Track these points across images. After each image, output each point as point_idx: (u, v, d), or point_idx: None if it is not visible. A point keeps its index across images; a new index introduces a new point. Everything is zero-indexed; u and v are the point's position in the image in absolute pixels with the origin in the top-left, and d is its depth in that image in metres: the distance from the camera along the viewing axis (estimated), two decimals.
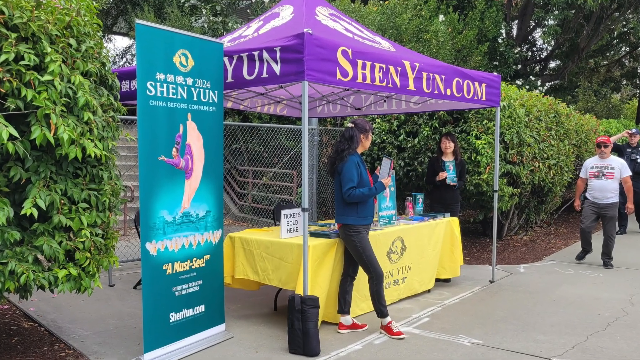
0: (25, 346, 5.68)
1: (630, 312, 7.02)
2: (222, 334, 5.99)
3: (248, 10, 17.70)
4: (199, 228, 5.65)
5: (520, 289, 8.13)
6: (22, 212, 4.19)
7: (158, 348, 5.26)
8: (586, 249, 10.05)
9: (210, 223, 5.79)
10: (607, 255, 9.75)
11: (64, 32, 4.52)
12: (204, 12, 16.34)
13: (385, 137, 11.27)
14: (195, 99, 5.53)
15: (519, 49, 23.86)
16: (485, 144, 9.71)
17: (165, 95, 5.21)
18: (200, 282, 5.70)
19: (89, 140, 4.49)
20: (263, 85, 6.37)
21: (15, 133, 4.05)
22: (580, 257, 10.16)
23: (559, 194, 12.91)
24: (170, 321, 5.38)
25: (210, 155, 5.74)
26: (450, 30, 16.13)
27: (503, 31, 21.78)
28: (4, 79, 4.08)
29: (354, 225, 6.02)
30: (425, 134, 10.48)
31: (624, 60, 29.25)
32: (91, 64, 4.72)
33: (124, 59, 25.44)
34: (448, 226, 8.15)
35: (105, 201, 4.84)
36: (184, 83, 5.40)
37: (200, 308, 5.72)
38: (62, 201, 4.48)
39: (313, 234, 6.45)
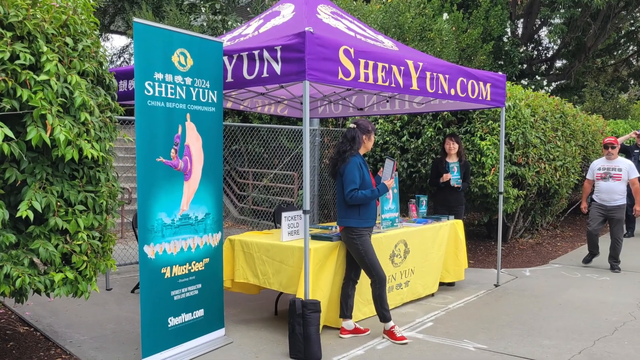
0: (21, 351, 5.68)
1: (638, 316, 7.01)
2: (222, 338, 5.99)
3: (248, 9, 17.70)
4: (198, 231, 5.65)
5: (525, 293, 8.13)
6: (18, 215, 4.19)
7: (156, 353, 5.25)
8: (593, 252, 10.05)
9: (209, 226, 5.78)
10: (614, 259, 9.74)
11: (61, 30, 4.52)
12: (203, 11, 16.36)
13: (388, 138, 11.27)
14: (194, 99, 5.53)
15: (525, 48, 23.87)
16: (490, 145, 9.71)
17: (163, 95, 5.21)
18: (200, 285, 5.70)
19: (86, 141, 4.49)
20: (263, 85, 6.37)
21: (10, 134, 4.05)
22: (587, 260, 10.16)
23: (565, 196, 12.90)
24: (169, 326, 5.38)
25: (209, 157, 5.74)
26: (454, 29, 16.13)
27: (508, 30, 21.77)
28: None
29: (356, 228, 6.01)
30: (429, 135, 10.48)
31: (631, 59, 29.22)
32: (88, 63, 4.72)
33: (122, 59, 25.45)
34: (452, 229, 8.15)
35: (102, 203, 4.84)
36: (182, 83, 5.40)
37: (200, 312, 5.72)
38: (59, 203, 4.48)
39: (314, 237, 6.44)
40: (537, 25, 25.12)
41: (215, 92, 5.78)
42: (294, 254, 6.12)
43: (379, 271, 6.04)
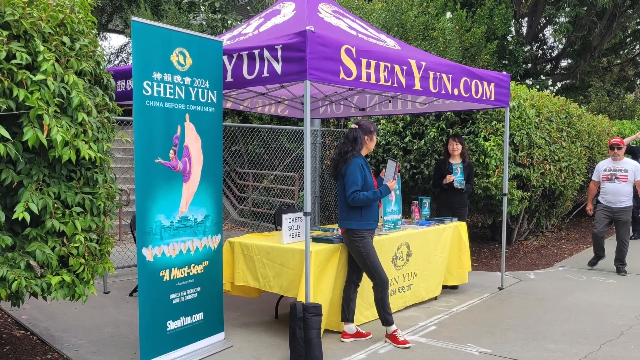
0: (17, 355, 5.68)
1: None
2: (221, 342, 5.99)
3: (248, 7, 17.71)
4: (197, 233, 5.65)
5: (530, 296, 8.12)
6: (14, 217, 4.19)
7: (155, 357, 5.25)
8: (599, 254, 10.04)
9: (208, 228, 5.78)
10: (620, 261, 9.73)
11: (57, 29, 4.52)
12: (203, 9, 16.36)
13: (390, 139, 11.27)
14: (193, 99, 5.53)
15: (529, 47, 23.87)
16: (494, 145, 9.70)
17: (162, 95, 5.21)
18: (199, 289, 5.70)
19: (83, 142, 4.49)
20: (264, 85, 6.37)
21: (6, 134, 4.05)
22: (592, 263, 10.15)
23: (570, 197, 12.90)
24: (168, 329, 5.37)
25: (209, 158, 5.74)
26: (457, 27, 16.13)
27: (512, 29, 21.79)
28: None
29: (358, 230, 6.01)
30: (432, 136, 10.47)
31: (637, 58, 29.19)
32: (85, 62, 4.72)
33: (120, 58, 25.48)
34: (455, 231, 8.14)
35: (100, 205, 4.84)
36: (181, 83, 5.40)
37: (199, 316, 5.72)
38: (56, 205, 4.48)
39: (315, 239, 6.44)
40: (541, 24, 25.12)
41: (215, 92, 5.78)
42: (294, 257, 6.11)
43: (381, 274, 6.03)
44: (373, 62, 5.97)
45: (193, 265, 5.61)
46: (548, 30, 25.90)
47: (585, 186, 14.44)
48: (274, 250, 6.32)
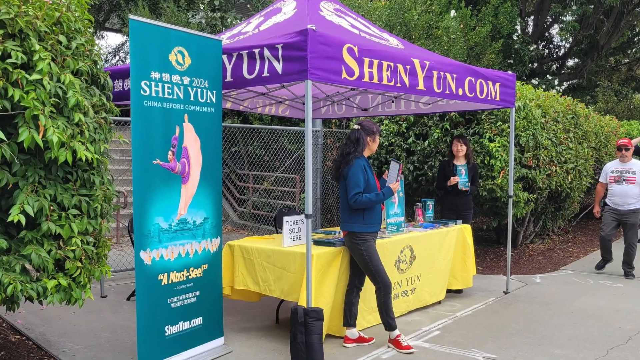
0: None
1: None
2: (221, 347, 5.98)
3: (248, 5, 17.73)
4: (196, 236, 5.65)
5: (536, 300, 8.11)
6: (9, 219, 4.18)
7: None
8: (606, 258, 10.03)
9: (208, 230, 5.78)
10: (628, 265, 9.72)
11: (54, 28, 4.52)
12: (202, 7, 16.36)
13: (393, 140, 11.27)
14: (192, 99, 5.53)
15: (535, 46, 23.85)
16: (499, 146, 9.70)
17: (160, 95, 5.21)
18: (198, 293, 5.70)
19: (80, 143, 4.49)
20: (264, 85, 6.36)
21: (1, 135, 4.05)
22: (599, 266, 10.14)
23: (577, 199, 12.89)
24: (166, 334, 5.37)
25: (208, 159, 5.74)
26: (462, 26, 16.13)
27: (518, 27, 21.77)
28: None
29: (360, 233, 6.01)
30: (436, 137, 10.47)
31: None
32: (82, 62, 4.72)
33: (117, 57, 25.49)
34: (460, 234, 8.14)
35: (97, 207, 4.83)
36: (180, 82, 5.40)
37: (198, 320, 5.72)
38: (52, 207, 4.48)
39: (317, 242, 6.44)
40: (548, 23, 25.10)
41: (214, 92, 5.78)
42: (295, 260, 6.11)
43: (384, 278, 6.03)
44: (376, 62, 5.97)
45: (192, 268, 5.61)
46: (554, 29, 25.89)
47: (592, 188, 14.44)
48: (274, 254, 6.32)
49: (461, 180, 8.57)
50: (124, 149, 15.56)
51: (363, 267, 6.06)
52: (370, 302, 6.63)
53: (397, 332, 6.12)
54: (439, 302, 7.90)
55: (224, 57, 5.92)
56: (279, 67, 5.54)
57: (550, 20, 24.89)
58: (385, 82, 6.09)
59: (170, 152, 5.30)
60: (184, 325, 5.56)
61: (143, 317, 5.16)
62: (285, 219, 6.40)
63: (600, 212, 10.13)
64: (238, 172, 15.08)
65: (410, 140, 10.94)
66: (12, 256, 4.40)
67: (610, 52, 26.35)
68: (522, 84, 10.95)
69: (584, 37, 23.31)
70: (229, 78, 5.94)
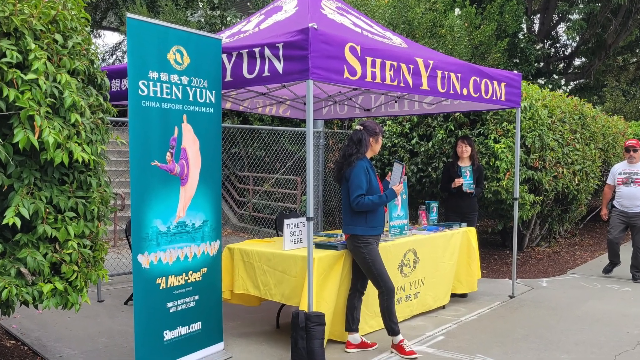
0: None
1: None
2: (220, 353, 5.98)
3: (248, 4, 17.73)
4: (195, 239, 5.64)
5: (542, 304, 8.11)
6: (4, 222, 4.18)
7: None
8: (614, 261, 10.02)
9: (207, 233, 5.78)
10: (636, 269, 9.71)
11: (49, 27, 4.52)
12: (201, 5, 16.39)
13: (396, 141, 11.27)
14: (191, 99, 5.53)
15: (541, 45, 23.86)
16: (504, 148, 9.70)
17: (158, 95, 5.21)
18: (197, 297, 5.69)
19: (76, 144, 4.49)
20: (264, 85, 6.37)
21: None
22: (607, 270, 10.13)
23: (584, 202, 12.87)
24: (164, 339, 5.37)
25: (207, 160, 5.74)
26: (466, 25, 16.14)
27: (524, 26, 21.79)
28: None
29: (362, 236, 6.00)
30: (440, 137, 10.47)
31: None
32: (79, 61, 4.72)
33: (114, 56, 25.50)
34: (464, 237, 8.13)
35: (93, 210, 4.83)
36: (179, 82, 5.40)
37: (197, 325, 5.71)
38: (47, 210, 4.47)
39: (318, 246, 6.43)
40: (554, 21, 25.11)
41: (214, 92, 5.78)
42: (296, 264, 6.11)
43: (387, 282, 6.02)
44: (378, 61, 5.97)
45: (191, 272, 5.61)
46: (561, 28, 25.90)
47: (599, 190, 14.43)
48: (275, 257, 6.31)
49: (466, 182, 8.57)
50: (121, 150, 15.56)
51: (365, 270, 6.06)
52: (372, 306, 6.62)
53: (400, 337, 6.12)
54: (443, 307, 7.90)
55: (224, 56, 5.92)
56: (279, 66, 5.54)
57: (557, 18, 24.91)
58: (388, 81, 6.09)
59: (168, 154, 5.30)
60: (183, 330, 5.55)
61: (141, 322, 5.16)
62: (286, 221, 6.40)
63: (608, 215, 10.12)
64: (238, 173, 15.08)
65: (413, 141, 10.93)
66: (7, 260, 4.39)
67: (618, 51, 26.37)
68: (528, 84, 10.94)
69: (591, 36, 23.31)
70: (228, 78, 5.94)
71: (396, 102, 9.19)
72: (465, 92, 7.13)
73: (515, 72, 8.21)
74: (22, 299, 4.46)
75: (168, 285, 5.37)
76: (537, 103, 10.43)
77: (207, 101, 5.71)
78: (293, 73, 5.46)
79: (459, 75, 7.03)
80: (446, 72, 6.82)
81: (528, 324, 7.18)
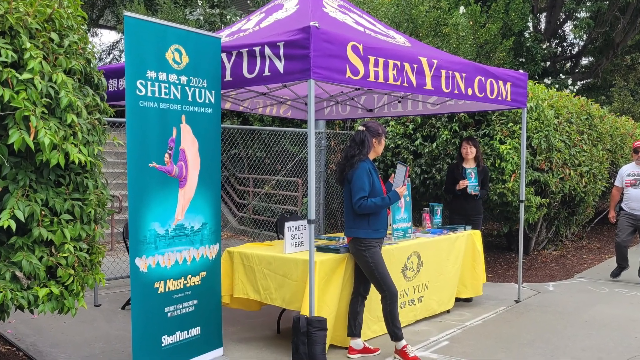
0: None
1: None
2: (220, 359, 5.97)
3: (248, 2, 17.72)
4: (194, 242, 5.64)
5: (549, 309, 8.10)
6: None
7: None
8: (622, 265, 10.01)
9: (206, 236, 5.78)
10: None
11: (45, 25, 4.52)
12: (200, 4, 16.40)
13: (399, 142, 11.26)
14: (190, 99, 5.53)
15: (548, 44, 23.86)
16: (510, 149, 9.69)
17: (156, 95, 5.21)
18: (196, 301, 5.69)
19: (73, 145, 4.48)
20: (265, 85, 6.38)
21: None
22: (615, 274, 10.12)
23: (591, 204, 12.86)
24: (163, 345, 5.37)
25: (206, 162, 5.73)
26: (471, 23, 16.14)
27: (530, 25, 21.79)
28: None
29: (365, 239, 5.99)
30: (444, 138, 10.46)
31: None
32: (75, 60, 4.72)
33: (112, 55, 25.52)
34: (469, 240, 8.13)
35: (90, 212, 4.83)
36: (177, 82, 5.40)
37: (196, 330, 5.71)
38: (43, 212, 4.47)
39: (320, 249, 6.42)
40: (561, 20, 25.11)
41: (213, 91, 5.78)
42: (298, 267, 6.10)
43: (390, 286, 6.01)
44: (381, 60, 5.97)
45: (190, 276, 5.61)
46: (568, 26, 25.90)
47: (607, 192, 14.42)
48: (275, 261, 6.31)
49: (470, 184, 8.55)
50: (118, 151, 15.56)
51: (368, 274, 6.05)
52: (375, 311, 6.61)
53: (403, 342, 6.11)
54: (448, 311, 7.89)
55: (223, 55, 5.92)
56: (280, 65, 5.54)
57: (564, 17, 24.90)
58: (391, 81, 6.09)
59: (167, 155, 5.30)
60: (182, 335, 5.55)
61: (138, 327, 5.15)
62: (287, 224, 6.40)
63: (616, 217, 10.11)
64: (238, 175, 15.08)
65: (417, 142, 10.93)
66: (2, 263, 4.39)
67: (626, 50, 26.35)
68: (534, 84, 10.94)
69: (599, 35, 23.30)
70: (228, 77, 5.94)
71: (399, 102, 9.19)
72: (470, 92, 7.13)
73: (521, 71, 8.21)
74: (18, 303, 4.45)
75: (166, 290, 5.37)
76: (543, 103, 10.42)
77: (207, 101, 5.71)
78: (294, 72, 5.46)
79: (464, 74, 7.02)
80: (450, 72, 6.82)
81: (534, 329, 7.17)
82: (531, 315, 7.81)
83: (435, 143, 10.64)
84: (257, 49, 5.67)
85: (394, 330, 6.09)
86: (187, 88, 5.49)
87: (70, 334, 6.86)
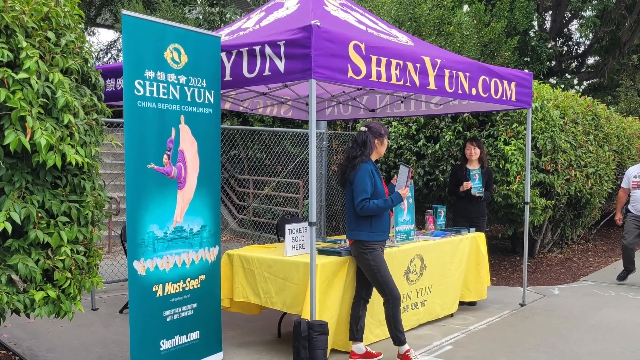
0: None
1: None
2: None
3: (248, 0, 17.74)
4: (193, 245, 5.64)
5: (554, 313, 8.09)
6: None
7: None
8: (629, 268, 10.00)
9: (205, 239, 5.77)
10: None
11: (42, 24, 4.52)
12: (199, 2, 16.41)
13: (402, 143, 11.26)
14: (189, 99, 5.53)
15: (553, 43, 23.85)
16: (515, 150, 9.68)
17: (155, 95, 5.21)
18: (195, 305, 5.69)
19: (70, 146, 4.48)
20: (265, 84, 6.37)
21: None
22: (622, 277, 10.11)
23: (598, 206, 12.86)
24: (161, 349, 5.36)
25: (205, 163, 5.73)
26: (475, 22, 16.14)
27: (535, 23, 21.79)
28: None
29: (367, 242, 5.99)
30: (448, 139, 10.46)
31: None
32: (72, 60, 4.72)
33: (109, 55, 25.55)
34: (473, 242, 8.12)
35: (87, 214, 4.83)
36: (176, 81, 5.40)
37: (195, 334, 5.70)
38: (39, 214, 4.47)
39: (321, 252, 6.42)
40: (567, 18, 25.10)
41: (212, 91, 5.78)
42: (299, 271, 6.10)
43: (393, 289, 6.01)
44: (384, 60, 5.97)
45: (189, 279, 5.60)
46: (574, 25, 25.89)
47: (613, 194, 14.42)
48: (276, 264, 6.30)
49: (474, 185, 8.55)
50: (116, 152, 15.57)
51: (370, 277, 6.05)
52: (378, 315, 6.61)
53: (406, 346, 6.10)
54: (451, 315, 7.89)
55: (223, 54, 5.92)
56: (281, 65, 5.54)
57: (569, 15, 24.89)
58: (394, 81, 6.08)
59: (165, 156, 5.29)
60: (180, 339, 5.55)
61: (137, 331, 5.15)
62: (287, 226, 6.39)
63: (623, 220, 10.10)
64: (237, 177, 15.08)
65: (420, 143, 10.92)
66: None
67: (633, 50, 26.32)
68: (540, 84, 10.93)
69: (605, 34, 23.29)
70: (228, 77, 5.94)
71: (402, 102, 9.19)
72: (474, 92, 7.13)
73: (526, 71, 8.21)
74: (13, 307, 4.45)
75: (165, 293, 5.37)
76: (548, 103, 10.41)
77: (206, 101, 5.71)
78: (295, 72, 5.46)
79: (468, 74, 7.02)
80: (454, 71, 6.82)
81: (539, 334, 7.17)
82: (536, 319, 7.80)
83: (438, 144, 10.64)
84: (257, 48, 5.67)
85: (397, 335, 6.08)
86: (186, 88, 5.49)
87: (67, 339, 6.86)
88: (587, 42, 25.89)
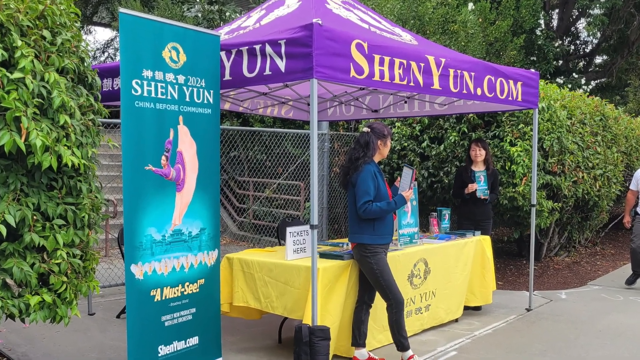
0: None
1: None
2: None
3: None
4: (192, 248, 5.64)
5: (561, 318, 8.09)
6: None
7: None
8: (637, 272, 9.99)
9: (204, 242, 5.77)
10: None
11: (37, 22, 4.52)
12: (198, 0, 16.41)
13: (406, 144, 11.26)
14: (187, 99, 5.53)
15: (560, 42, 23.84)
16: (521, 151, 9.68)
17: (153, 95, 5.21)
18: (194, 310, 5.68)
19: (66, 147, 4.48)
20: (266, 84, 6.37)
21: None
22: (630, 281, 10.10)
23: (605, 208, 12.85)
24: (159, 355, 5.36)
25: (204, 165, 5.73)
26: (480, 20, 16.14)
27: (542, 22, 21.75)
28: None
29: (370, 245, 5.99)
30: (452, 140, 10.46)
31: None
32: (68, 59, 4.72)
33: (106, 54, 25.57)
34: (478, 246, 8.11)
35: (84, 217, 4.82)
36: (174, 81, 5.40)
37: (194, 340, 5.70)
38: (35, 217, 4.47)
39: (323, 255, 6.42)
40: (574, 17, 25.09)
41: (212, 91, 5.78)
42: (300, 275, 6.09)
43: (396, 294, 6.00)
44: (387, 59, 5.97)
45: (187, 283, 5.60)
46: (581, 23, 25.87)
47: (622, 196, 14.40)
48: (277, 267, 6.30)
49: (480, 187, 8.54)
50: (113, 153, 15.57)
51: (373, 281, 6.05)
52: (381, 320, 6.61)
53: (410, 352, 6.10)
54: (456, 320, 7.88)
55: (222, 53, 5.92)
56: (282, 64, 5.54)
57: (577, 13, 24.87)
58: (397, 81, 6.08)
59: (163, 157, 5.29)
60: (179, 345, 5.54)
61: (134, 337, 5.15)
62: (288, 229, 6.39)
63: (631, 222, 10.09)
64: (237, 178, 15.08)
65: (424, 144, 10.92)
66: None
67: None
68: (546, 83, 10.93)
69: (613, 32, 23.26)
70: (227, 77, 5.94)
71: (406, 102, 9.19)
72: (479, 91, 7.13)
73: (533, 70, 8.21)
74: (8, 311, 4.45)
75: (163, 298, 5.37)
76: (555, 103, 10.41)
77: (205, 101, 5.71)
78: (296, 72, 5.46)
79: (473, 74, 7.02)
80: (459, 71, 6.81)
81: (546, 339, 7.16)
82: (543, 324, 7.80)
83: (443, 145, 10.64)
84: (257, 47, 5.67)
85: (400, 340, 6.08)
86: (184, 88, 5.49)
87: (62, 344, 6.86)
88: (595, 41, 25.86)
